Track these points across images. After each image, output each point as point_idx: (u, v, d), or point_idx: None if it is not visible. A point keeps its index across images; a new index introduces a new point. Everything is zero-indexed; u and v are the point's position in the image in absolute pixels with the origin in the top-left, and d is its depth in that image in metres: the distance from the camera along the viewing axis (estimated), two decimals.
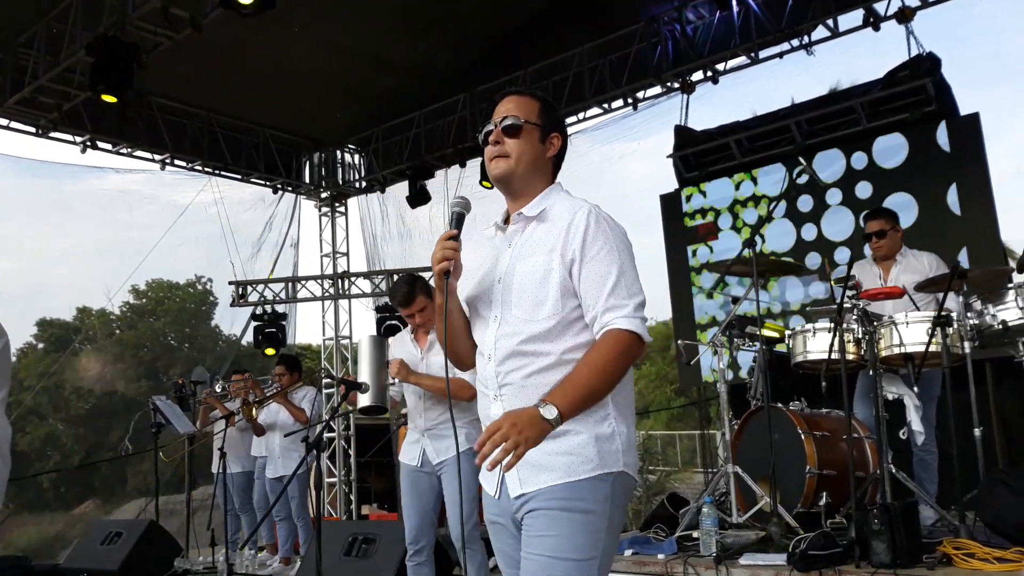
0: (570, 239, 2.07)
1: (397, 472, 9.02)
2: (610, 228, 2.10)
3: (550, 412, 1.93)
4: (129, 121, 9.00)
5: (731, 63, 8.36)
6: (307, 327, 41.19)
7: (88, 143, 8.92)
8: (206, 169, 9.99)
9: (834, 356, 4.38)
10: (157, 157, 9.55)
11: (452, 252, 2.08)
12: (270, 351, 10.09)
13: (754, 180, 8.18)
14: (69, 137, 8.88)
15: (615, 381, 2.03)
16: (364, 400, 4.02)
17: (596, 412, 2.04)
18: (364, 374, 4.13)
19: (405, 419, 6.72)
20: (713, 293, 8.13)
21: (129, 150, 9.32)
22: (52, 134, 8.72)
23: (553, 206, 2.17)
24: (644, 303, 2.06)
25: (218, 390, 7.85)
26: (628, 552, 4.44)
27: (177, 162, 9.75)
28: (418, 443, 4.39)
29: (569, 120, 9.40)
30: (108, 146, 9.16)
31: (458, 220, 2.15)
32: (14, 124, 8.57)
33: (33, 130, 8.63)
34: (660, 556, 4.29)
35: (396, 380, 4.23)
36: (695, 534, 4.38)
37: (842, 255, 7.38)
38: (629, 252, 2.11)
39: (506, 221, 2.24)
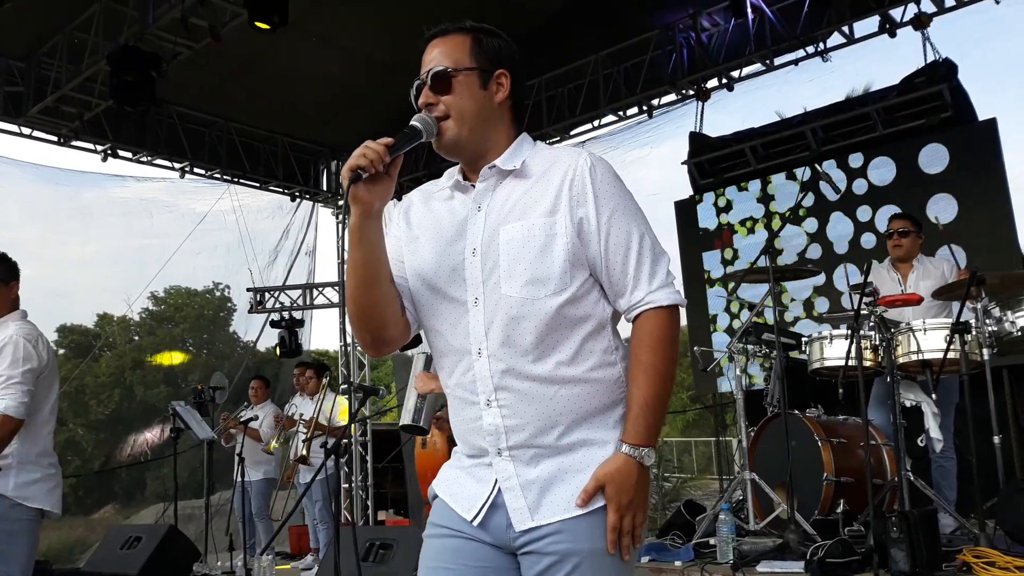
0: (575, 195, 1.67)
1: (413, 478, 9.05)
2: (617, 178, 1.73)
3: (650, 457, 1.65)
4: (149, 130, 9.11)
5: (746, 70, 8.35)
6: (323, 333, 41.48)
7: (109, 151, 9.02)
8: (225, 177, 10.08)
9: (851, 363, 4.37)
10: (176, 165, 9.64)
11: (374, 154, 1.60)
12: (287, 353, 10.19)
13: (769, 186, 8.17)
14: (90, 145, 8.98)
15: (675, 373, 1.70)
16: (401, 419, 4.01)
17: (614, 411, 1.69)
18: (408, 391, 4.13)
19: None
20: (728, 301, 8.13)
21: (149, 158, 9.41)
22: (73, 142, 8.82)
23: (533, 157, 1.76)
24: (670, 260, 1.74)
25: (248, 413, 7.87)
26: (645, 559, 4.44)
27: (196, 170, 9.83)
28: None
29: (584, 127, 9.44)
30: (128, 154, 9.25)
31: (407, 135, 1.68)
32: (36, 133, 8.67)
33: (55, 139, 8.73)
34: (677, 563, 4.30)
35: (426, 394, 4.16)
36: (712, 541, 4.38)
37: (868, 239, 7.40)
38: (638, 204, 1.76)
39: (465, 178, 1.80)
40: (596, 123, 9.34)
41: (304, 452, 6.95)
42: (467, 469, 1.74)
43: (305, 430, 7.14)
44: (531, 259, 1.66)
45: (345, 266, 1.72)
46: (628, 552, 1.64)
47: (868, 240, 7.42)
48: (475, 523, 1.67)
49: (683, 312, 1.76)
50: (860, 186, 7.54)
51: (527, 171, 1.74)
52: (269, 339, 10.75)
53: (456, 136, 1.73)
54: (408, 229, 1.83)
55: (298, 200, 11.05)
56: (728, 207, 8.43)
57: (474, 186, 1.77)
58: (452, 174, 1.83)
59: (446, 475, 1.80)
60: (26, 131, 8.61)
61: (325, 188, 11.22)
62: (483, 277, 1.68)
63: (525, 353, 1.65)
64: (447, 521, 1.73)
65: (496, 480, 1.67)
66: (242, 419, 7.45)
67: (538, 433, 1.65)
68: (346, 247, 9.05)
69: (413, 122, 1.71)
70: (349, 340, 11.25)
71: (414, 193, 1.89)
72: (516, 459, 1.66)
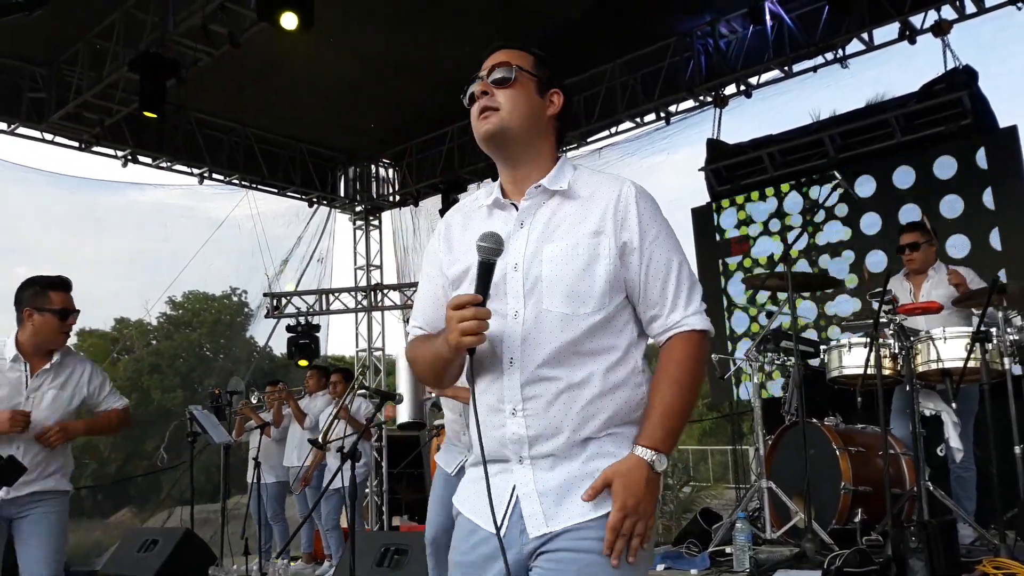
0: (620, 219, 1.74)
1: (428, 484, 9.03)
2: (659, 208, 1.80)
3: (662, 462, 1.66)
4: (168, 136, 9.19)
5: (764, 77, 8.34)
6: (339, 338, 41.45)
7: (129, 157, 9.11)
8: (243, 183, 10.15)
9: (870, 371, 4.34)
10: (195, 171, 9.72)
11: (480, 325, 1.63)
12: (303, 363, 10.17)
13: (787, 194, 8.13)
14: (111, 151, 9.07)
15: (699, 392, 1.76)
16: (403, 415, 4.01)
17: (635, 430, 1.71)
18: (404, 388, 4.13)
19: (438, 431, 6.74)
20: (749, 308, 8.09)
21: (168, 164, 9.50)
22: (95, 148, 8.92)
23: (578, 179, 1.81)
24: (703, 292, 1.81)
25: (254, 401, 7.96)
26: (661, 567, 4.43)
27: (215, 176, 9.92)
28: (461, 455, 4.28)
29: (602, 134, 9.44)
30: (148, 160, 9.34)
31: (485, 272, 1.67)
32: (58, 139, 8.78)
33: (76, 145, 8.84)
34: (693, 571, 4.28)
35: (433, 394, 4.17)
36: (728, 550, 4.35)
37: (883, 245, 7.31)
38: (676, 236, 1.83)
39: (505, 195, 1.85)
40: (613, 130, 9.34)
41: (320, 438, 6.87)
42: (484, 478, 1.76)
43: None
44: (574, 276, 1.71)
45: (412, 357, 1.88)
46: (618, 557, 1.62)
47: (884, 245, 7.36)
48: (501, 533, 1.67)
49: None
50: (879, 193, 7.49)
51: (572, 192, 1.79)
52: (283, 344, 10.77)
53: (503, 125, 1.78)
54: (449, 252, 1.87)
55: (315, 206, 11.11)
56: (746, 214, 8.40)
57: (515, 205, 1.82)
58: (491, 191, 1.86)
59: (465, 491, 1.84)
60: (48, 137, 8.72)
61: (342, 194, 11.28)
62: (524, 291, 1.72)
63: (556, 366, 1.69)
64: (468, 551, 1.77)
65: (514, 487, 1.70)
66: (257, 423, 7.49)
67: (559, 444, 1.68)
68: (359, 252, 9.11)
69: (483, 251, 1.67)
70: (365, 345, 11.29)
71: (452, 215, 1.93)
72: (536, 467, 1.69)
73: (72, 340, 3.96)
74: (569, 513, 1.65)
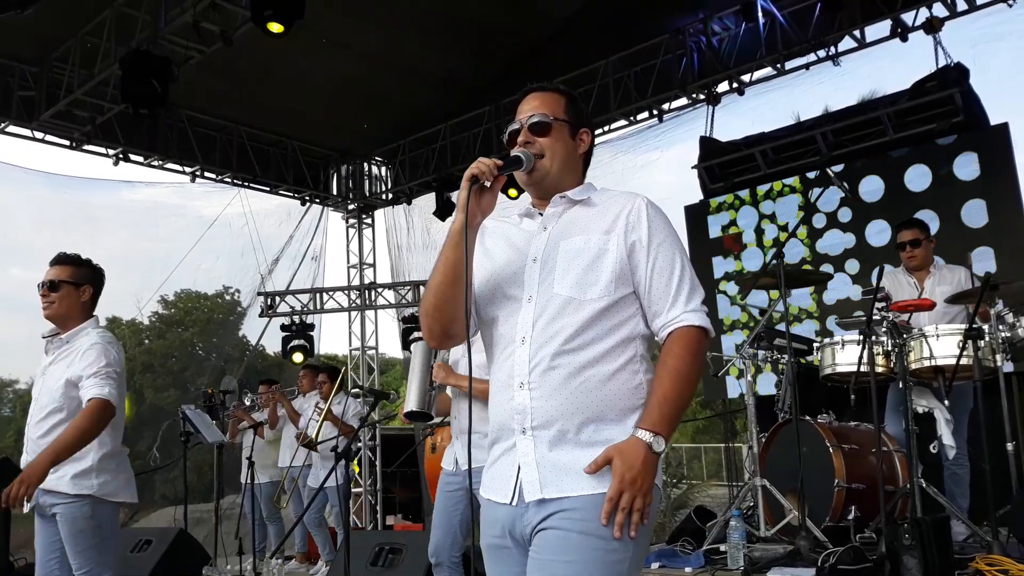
0: (631, 223, 1.94)
1: (423, 483, 9.02)
2: (668, 219, 2.00)
3: (660, 444, 1.80)
4: (160, 134, 9.15)
5: (757, 74, 8.34)
6: (332, 337, 41.29)
7: (120, 155, 9.07)
8: (235, 181, 10.11)
9: (863, 368, 4.35)
10: (187, 169, 9.68)
11: (486, 167, 1.90)
12: (298, 357, 10.14)
13: (779, 191, 8.14)
14: (102, 150, 9.03)
15: (696, 385, 1.90)
16: (408, 405, 3.95)
17: (632, 417, 1.86)
18: (412, 379, 4.07)
19: (432, 429, 6.73)
20: (738, 300, 8.10)
21: (160, 162, 9.46)
22: (86, 147, 8.87)
23: (599, 194, 2.07)
24: (705, 296, 1.96)
25: (247, 403, 7.94)
26: (655, 565, 4.43)
27: (207, 174, 9.88)
28: (453, 447, 4.21)
29: (595, 132, 9.41)
30: (140, 158, 9.29)
31: (512, 160, 1.98)
32: (49, 137, 8.73)
33: (67, 143, 8.79)
34: (687, 569, 4.29)
35: (436, 383, 4.07)
36: (723, 547, 4.36)
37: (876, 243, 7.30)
38: (684, 245, 2.02)
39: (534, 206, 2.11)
40: (607, 127, 9.33)
41: (314, 436, 6.83)
42: (497, 460, 1.94)
43: (318, 417, 7.09)
44: (583, 266, 1.92)
45: (436, 262, 1.97)
46: (621, 529, 1.75)
47: (876, 244, 7.37)
48: (513, 504, 1.85)
49: None
50: (870, 191, 7.51)
51: (591, 202, 2.03)
52: (275, 343, 10.73)
53: (547, 171, 2.03)
54: (481, 244, 2.07)
55: (308, 204, 11.08)
56: (738, 211, 8.40)
57: (542, 213, 2.06)
58: (522, 205, 2.12)
59: (485, 476, 1.99)
60: (39, 135, 8.67)
61: (335, 192, 11.25)
62: (539, 280, 1.94)
63: (562, 344, 1.86)
64: (487, 534, 1.95)
65: (519, 463, 1.86)
66: (250, 424, 7.46)
67: (559, 418, 1.84)
68: (352, 251, 9.09)
69: (516, 152, 2.00)
70: (359, 344, 11.27)
71: (487, 221, 2.10)
72: (537, 439, 1.85)
73: None
74: (563, 485, 1.80)
